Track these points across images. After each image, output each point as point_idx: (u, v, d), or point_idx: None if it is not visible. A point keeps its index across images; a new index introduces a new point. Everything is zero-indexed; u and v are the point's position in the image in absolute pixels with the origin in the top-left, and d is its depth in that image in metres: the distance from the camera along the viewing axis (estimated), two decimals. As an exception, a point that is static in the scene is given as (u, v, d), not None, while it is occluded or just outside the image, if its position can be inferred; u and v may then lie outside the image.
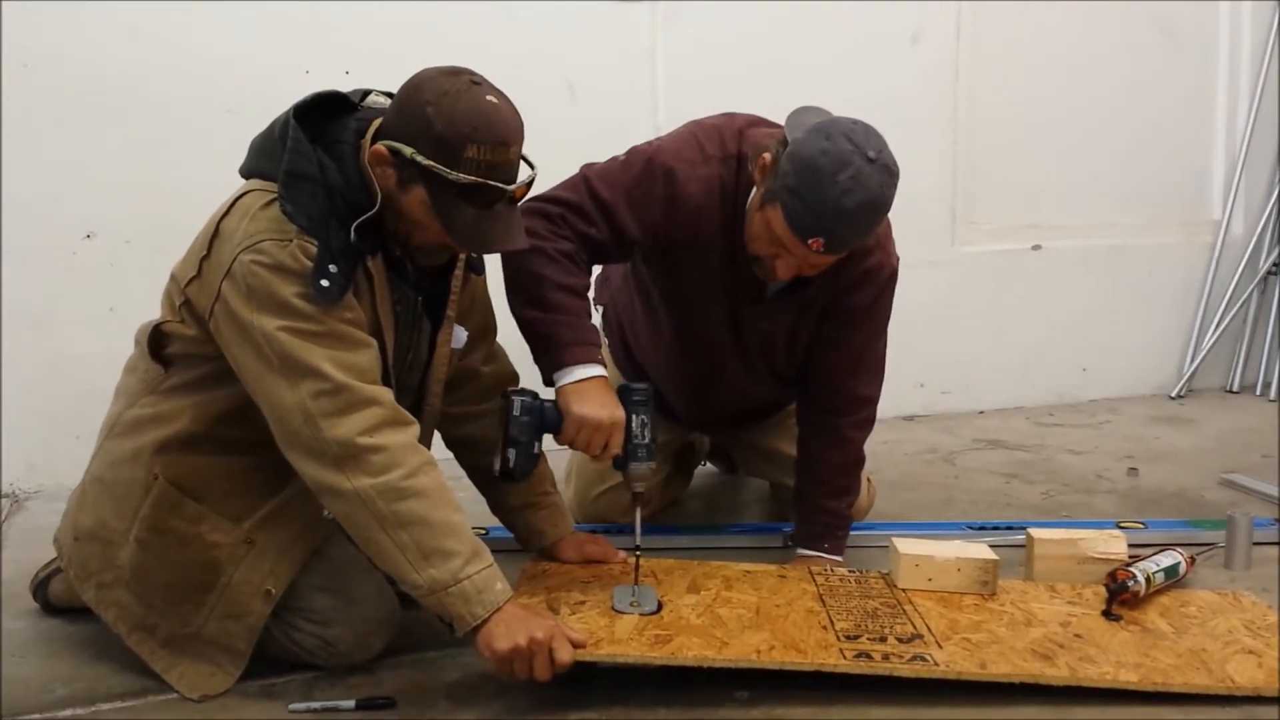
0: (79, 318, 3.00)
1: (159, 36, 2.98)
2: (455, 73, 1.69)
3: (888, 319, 2.25)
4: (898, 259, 2.21)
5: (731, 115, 2.17)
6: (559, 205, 2.05)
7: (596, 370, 1.94)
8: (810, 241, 1.88)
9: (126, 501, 1.82)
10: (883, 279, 2.18)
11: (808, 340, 2.25)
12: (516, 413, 1.91)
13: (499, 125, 1.67)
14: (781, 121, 2.00)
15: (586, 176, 2.09)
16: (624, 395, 1.94)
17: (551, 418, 1.92)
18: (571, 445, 1.93)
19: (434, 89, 1.66)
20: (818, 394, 2.29)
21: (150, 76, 2.98)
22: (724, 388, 2.38)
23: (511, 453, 1.92)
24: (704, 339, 2.27)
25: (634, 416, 1.92)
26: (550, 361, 1.96)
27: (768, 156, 1.94)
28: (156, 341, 1.83)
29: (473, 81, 1.68)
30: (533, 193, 1.98)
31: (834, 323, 2.21)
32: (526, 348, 2.02)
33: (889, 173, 1.88)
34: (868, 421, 2.31)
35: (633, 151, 2.12)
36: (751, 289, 2.16)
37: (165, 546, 1.80)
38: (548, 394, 1.97)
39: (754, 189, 2.02)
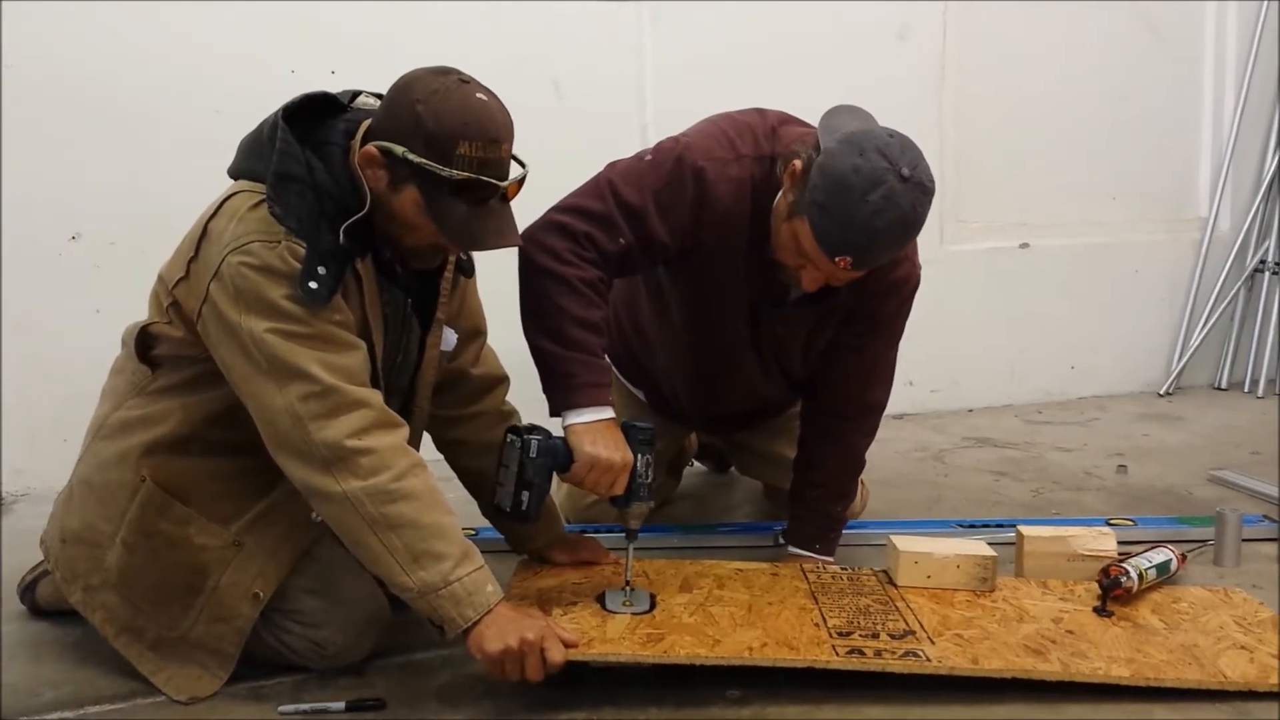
0: (65, 319, 2.98)
1: (145, 36, 2.97)
2: (444, 72, 1.68)
3: (904, 327, 2.23)
4: (921, 267, 2.18)
5: (763, 111, 2.09)
6: (584, 220, 1.96)
7: (608, 413, 1.92)
8: (838, 259, 1.84)
9: (113, 504, 1.81)
10: (908, 290, 2.16)
11: (825, 345, 2.22)
12: (533, 454, 1.86)
13: (489, 122, 1.66)
14: (809, 120, 1.96)
15: (610, 180, 2.00)
16: (629, 435, 1.91)
17: (563, 457, 1.88)
18: (579, 485, 1.91)
19: (423, 88, 1.65)
20: (828, 398, 2.26)
21: (136, 77, 2.97)
22: (734, 388, 2.35)
23: (526, 495, 1.87)
24: (720, 340, 2.21)
25: (640, 457, 1.91)
26: (563, 399, 1.93)
27: (798, 164, 1.88)
28: (144, 343, 1.82)
29: (461, 80, 1.68)
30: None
31: (854, 329, 2.18)
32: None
33: (923, 189, 1.82)
34: (873, 429, 2.29)
35: (659, 149, 2.04)
36: (774, 292, 2.11)
37: (153, 549, 1.79)
38: (546, 423, 1.94)
39: (780, 194, 1.96)
